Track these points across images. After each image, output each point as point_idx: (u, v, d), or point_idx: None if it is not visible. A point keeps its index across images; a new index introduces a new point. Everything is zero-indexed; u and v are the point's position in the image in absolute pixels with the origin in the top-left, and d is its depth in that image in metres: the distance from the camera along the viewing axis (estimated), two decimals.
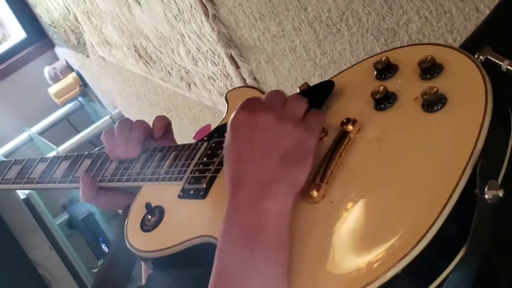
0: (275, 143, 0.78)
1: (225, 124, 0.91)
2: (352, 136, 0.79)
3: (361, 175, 0.76)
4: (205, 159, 0.94)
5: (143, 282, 1.07)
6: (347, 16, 1.25)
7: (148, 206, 0.92)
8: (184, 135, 2.79)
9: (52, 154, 3.47)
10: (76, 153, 1.12)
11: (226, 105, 1.01)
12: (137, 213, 0.93)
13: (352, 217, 0.73)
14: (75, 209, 3.79)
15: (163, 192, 0.95)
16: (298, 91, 0.87)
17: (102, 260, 3.65)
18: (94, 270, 3.64)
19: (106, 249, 3.68)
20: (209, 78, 2.05)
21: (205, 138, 0.98)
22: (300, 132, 0.78)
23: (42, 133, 3.77)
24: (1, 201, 3.06)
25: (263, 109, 0.80)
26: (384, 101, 0.79)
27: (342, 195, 0.75)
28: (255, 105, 0.81)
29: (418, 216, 0.68)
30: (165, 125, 1.08)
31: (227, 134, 0.81)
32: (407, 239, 0.67)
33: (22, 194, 3.29)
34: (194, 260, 0.88)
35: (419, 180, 0.71)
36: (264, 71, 1.71)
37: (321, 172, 0.77)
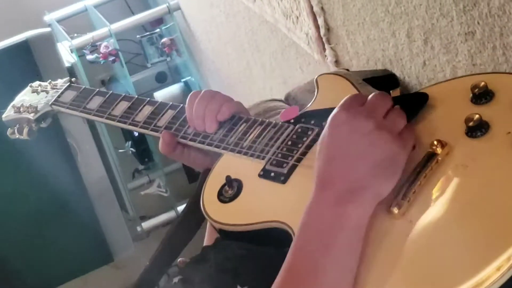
0: (371, 150, 0.79)
1: (313, 111, 0.92)
2: (440, 158, 0.79)
3: (443, 200, 0.77)
4: (289, 143, 0.94)
5: (205, 242, 1.08)
6: None
7: (228, 178, 0.93)
8: (236, 43, 2.80)
9: (103, 30, 3.49)
10: (160, 101, 1.12)
11: (316, 90, 1.01)
12: (215, 181, 0.95)
13: (428, 242, 0.74)
14: (114, 88, 3.82)
15: (243, 166, 0.96)
16: (391, 95, 0.87)
17: (129, 143, 3.72)
18: (120, 150, 3.71)
19: (136, 133, 3.73)
20: None
21: (292, 121, 0.97)
22: (396, 146, 0.79)
23: (97, 6, 3.78)
24: (46, 66, 3.09)
25: (366, 115, 0.81)
26: (476, 129, 0.79)
27: (422, 216, 0.76)
28: (358, 107, 0.82)
29: (492, 251, 0.68)
30: (241, 110, 1.07)
31: (325, 130, 0.82)
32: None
33: (67, 62, 3.33)
34: (261, 240, 0.89)
35: (500, 216, 0.72)
36: (333, 4, 1.71)
37: (404, 189, 0.78)
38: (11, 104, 1.39)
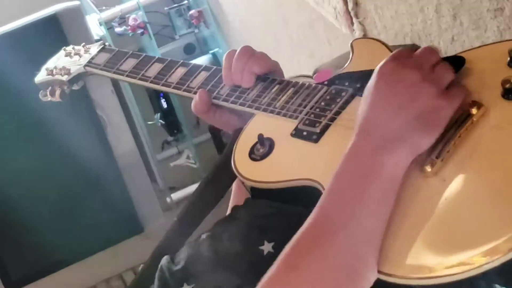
0: (415, 101, 0.78)
1: (348, 73, 0.92)
2: (475, 119, 0.79)
3: (477, 159, 0.77)
4: (322, 103, 0.94)
5: (231, 203, 1.08)
6: None
7: (260, 137, 0.93)
8: (264, 15, 2.79)
9: (131, 3, 3.50)
10: (194, 63, 1.13)
11: (351, 53, 1.00)
12: (247, 139, 0.95)
13: (461, 201, 0.74)
14: None
15: (275, 125, 0.96)
16: None
17: (158, 115, 3.74)
18: (149, 122, 3.73)
19: (165, 105, 3.75)
20: None
21: (326, 83, 0.98)
22: (441, 100, 0.79)
23: None
24: (75, 39, 3.10)
25: (413, 65, 0.80)
26: None
27: (455, 175, 0.76)
28: (407, 58, 0.82)
29: None
30: (278, 70, 1.08)
31: (372, 78, 0.81)
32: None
33: (96, 35, 3.34)
34: (292, 199, 0.90)
35: None
36: None
37: (439, 148, 0.78)
38: (44, 66, 1.39)
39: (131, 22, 3.55)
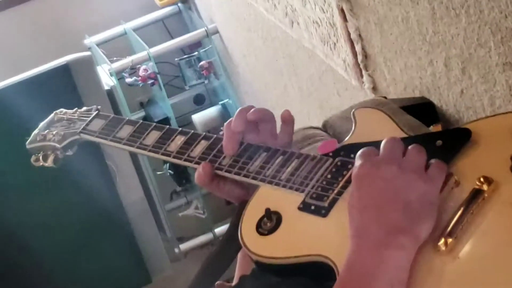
0: (401, 193, 0.79)
1: (352, 144, 0.92)
2: (486, 195, 0.79)
3: (490, 236, 0.77)
4: (329, 176, 0.93)
5: (235, 281, 1.09)
6: (469, 5, 1.25)
7: (267, 211, 0.92)
8: (274, 67, 2.82)
9: (142, 54, 3.54)
10: (193, 131, 1.12)
11: (354, 123, 1.01)
12: (253, 212, 0.94)
13: (476, 279, 0.74)
14: (152, 110, 3.86)
15: (281, 198, 0.94)
16: (432, 130, 0.88)
17: (167, 165, 3.75)
18: (158, 173, 3.74)
19: None
20: (313, 22, 2.06)
21: (330, 154, 0.97)
22: (423, 185, 0.80)
23: (136, 30, 3.83)
24: (85, 88, 3.14)
25: (386, 161, 0.82)
26: None
27: (469, 253, 0.76)
28: (376, 156, 0.83)
29: None
30: (292, 123, 1.08)
31: (352, 184, 0.83)
32: None
33: (106, 85, 3.37)
34: (299, 273, 0.89)
35: None
36: (371, 31, 1.72)
37: (451, 226, 0.78)
38: (35, 131, 1.38)
39: (141, 72, 3.58)
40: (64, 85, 3.10)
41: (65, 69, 3.13)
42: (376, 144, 0.87)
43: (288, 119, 1.07)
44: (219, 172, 1.05)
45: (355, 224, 0.82)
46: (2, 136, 3.05)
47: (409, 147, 0.84)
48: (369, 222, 0.80)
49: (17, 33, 3.91)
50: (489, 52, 1.26)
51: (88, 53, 3.36)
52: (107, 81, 3.47)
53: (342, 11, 1.80)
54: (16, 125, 2.94)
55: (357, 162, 0.85)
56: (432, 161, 0.83)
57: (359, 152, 0.86)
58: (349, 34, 1.83)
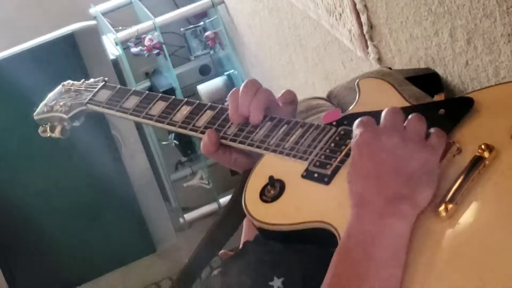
0: (402, 163, 0.80)
1: (356, 113, 0.92)
2: (487, 162, 0.80)
3: (492, 204, 0.77)
4: (332, 144, 0.94)
5: (243, 236, 1.09)
6: None
7: (271, 178, 0.93)
8: (279, 37, 2.81)
9: (147, 24, 3.53)
10: (198, 101, 1.13)
11: (358, 93, 1.01)
12: (257, 180, 0.95)
13: (476, 244, 0.74)
14: (158, 80, 3.86)
15: (285, 166, 0.95)
16: (435, 99, 0.88)
17: (172, 135, 3.76)
18: (163, 142, 3.75)
19: None
20: None
21: (334, 123, 0.98)
22: (425, 153, 0.80)
23: None
24: (91, 58, 3.14)
25: (386, 131, 0.82)
26: None
27: (470, 219, 0.77)
28: (376, 125, 0.83)
29: None
30: (291, 98, 1.09)
31: (352, 153, 0.83)
32: None
33: (111, 55, 3.37)
34: (301, 241, 0.90)
35: None
36: (376, 1, 1.71)
37: (452, 192, 0.78)
38: (43, 102, 1.38)
39: (147, 42, 3.57)
40: (69, 55, 3.09)
41: (70, 38, 3.12)
42: (379, 113, 0.87)
43: (288, 100, 1.08)
44: (224, 141, 1.06)
45: (356, 192, 0.83)
46: (7, 106, 3.05)
47: (409, 116, 0.84)
48: (370, 191, 0.81)
49: (21, 2, 3.90)
50: (494, 22, 1.26)
51: (93, 22, 3.35)
52: (113, 50, 3.46)
53: None
54: (21, 96, 2.95)
55: (357, 130, 0.85)
56: (432, 129, 0.83)
57: (356, 121, 0.86)
58: (354, 5, 1.82)
